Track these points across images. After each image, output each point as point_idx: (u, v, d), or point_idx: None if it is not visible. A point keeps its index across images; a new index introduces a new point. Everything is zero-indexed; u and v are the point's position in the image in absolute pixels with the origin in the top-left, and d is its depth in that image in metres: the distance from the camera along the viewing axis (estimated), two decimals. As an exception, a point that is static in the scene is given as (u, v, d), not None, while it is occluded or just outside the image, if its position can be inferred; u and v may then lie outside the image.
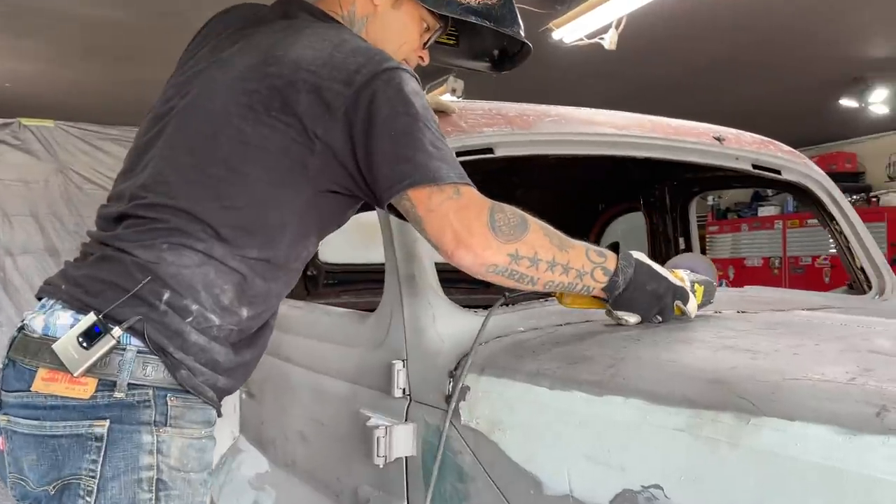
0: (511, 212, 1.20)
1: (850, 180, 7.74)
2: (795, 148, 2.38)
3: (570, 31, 3.20)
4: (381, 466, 1.42)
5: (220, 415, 1.26)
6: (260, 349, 1.34)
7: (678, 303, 1.33)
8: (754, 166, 2.19)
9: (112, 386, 1.12)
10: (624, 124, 2.05)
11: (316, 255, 3.02)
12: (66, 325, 1.14)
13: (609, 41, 2.66)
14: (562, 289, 1.26)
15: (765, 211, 8.31)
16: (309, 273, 3.20)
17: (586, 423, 1.14)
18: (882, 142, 7.76)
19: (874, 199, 7.62)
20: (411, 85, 1.21)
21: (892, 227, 6.65)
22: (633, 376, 1.13)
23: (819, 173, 2.30)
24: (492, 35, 1.49)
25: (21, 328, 1.20)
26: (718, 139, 2.13)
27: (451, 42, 1.58)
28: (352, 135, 1.17)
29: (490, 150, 1.76)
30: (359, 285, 3.39)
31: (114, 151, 6.72)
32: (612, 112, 2.19)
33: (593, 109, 2.17)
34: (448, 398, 1.37)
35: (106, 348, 1.11)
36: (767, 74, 4.96)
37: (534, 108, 2.00)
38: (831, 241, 7.30)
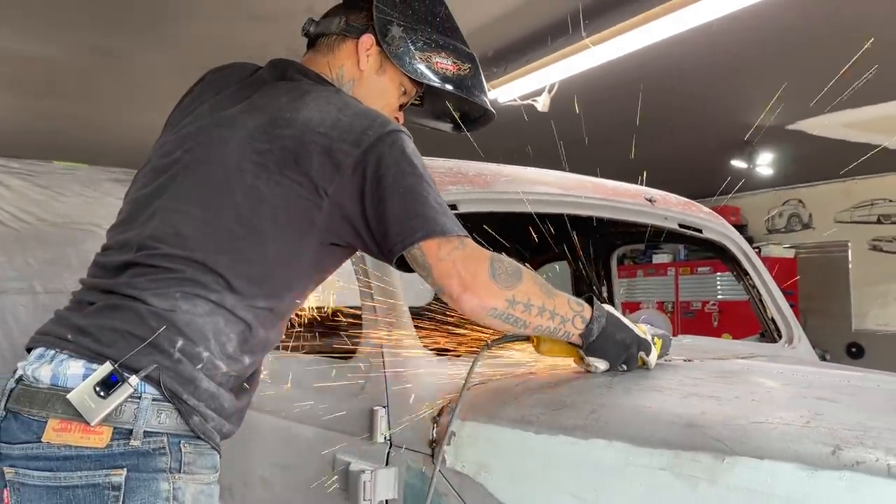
0: (508, 262, 1.32)
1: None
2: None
3: (503, 92, 3.42)
4: (366, 510, 1.48)
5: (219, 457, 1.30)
6: (252, 394, 1.39)
7: (641, 353, 1.49)
8: (680, 225, 2.41)
9: (128, 434, 1.14)
10: (570, 185, 2.22)
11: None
12: (77, 374, 1.15)
13: (542, 104, 2.87)
14: (547, 333, 1.39)
15: (658, 258, 8.81)
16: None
17: (572, 465, 1.26)
18: (761, 197, 8.47)
19: (756, 250, 8.27)
20: (411, 146, 1.32)
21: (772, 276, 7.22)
22: (615, 421, 1.26)
23: (734, 233, 2.55)
24: (455, 99, 1.62)
25: (18, 379, 1.20)
26: (650, 200, 2.35)
27: (417, 103, 1.71)
28: (362, 192, 1.26)
29: (454, 207, 1.88)
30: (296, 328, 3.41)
31: (15, 185, 6.24)
32: (555, 172, 2.36)
33: (537, 169, 2.34)
34: (433, 443, 1.45)
35: (123, 397, 1.13)
36: (669, 135, 5.39)
37: (488, 167, 2.14)
38: (719, 287, 7.64)
